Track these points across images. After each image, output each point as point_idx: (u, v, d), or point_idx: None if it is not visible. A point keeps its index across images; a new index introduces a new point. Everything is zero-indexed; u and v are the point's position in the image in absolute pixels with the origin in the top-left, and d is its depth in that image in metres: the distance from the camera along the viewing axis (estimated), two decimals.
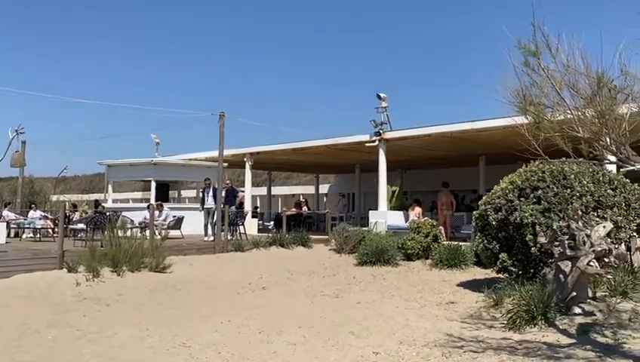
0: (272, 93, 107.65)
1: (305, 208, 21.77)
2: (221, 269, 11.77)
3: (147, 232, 13.49)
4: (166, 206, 16.98)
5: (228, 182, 17.45)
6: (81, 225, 14.88)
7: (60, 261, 10.25)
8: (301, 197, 26.57)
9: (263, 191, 31.99)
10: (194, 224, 16.12)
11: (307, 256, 13.95)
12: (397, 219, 16.50)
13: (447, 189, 16.95)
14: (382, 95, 17.39)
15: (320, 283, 10.12)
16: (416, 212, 16.26)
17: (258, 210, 28.48)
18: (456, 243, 12.23)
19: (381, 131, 16.63)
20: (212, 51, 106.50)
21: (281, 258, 13.63)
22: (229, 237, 14.65)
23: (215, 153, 15.63)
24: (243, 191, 21.17)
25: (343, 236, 14.25)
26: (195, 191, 25.28)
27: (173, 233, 15.58)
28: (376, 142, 16.74)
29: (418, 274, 10.83)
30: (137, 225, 14.76)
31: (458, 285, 9.46)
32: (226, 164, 19.29)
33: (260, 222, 22.85)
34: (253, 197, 28.73)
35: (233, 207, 15.80)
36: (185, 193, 29.22)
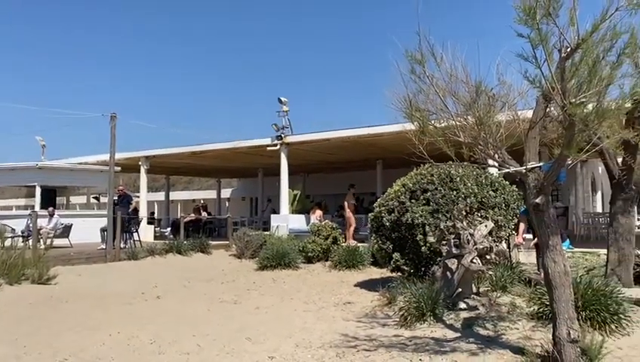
0: (173, 95, 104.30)
1: (205, 213, 21.25)
2: (112, 279, 11.15)
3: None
4: (56, 213, 15.80)
5: (121, 187, 16.61)
6: None
7: None
8: (202, 201, 25.96)
9: (161, 196, 30.83)
10: (84, 232, 15.17)
11: (206, 263, 13.61)
12: (299, 222, 16.63)
13: (351, 191, 16.71)
14: (283, 99, 17.47)
15: (218, 290, 9.91)
16: (317, 215, 16.48)
17: (155, 216, 27.46)
18: (353, 243, 12.53)
19: (282, 135, 16.69)
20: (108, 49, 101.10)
21: (179, 265, 13.19)
22: (122, 245, 13.94)
23: (107, 156, 14.81)
24: (138, 197, 20.27)
25: (244, 241, 14.08)
26: (85, 197, 23.82)
27: (61, 242, 14.58)
28: (278, 146, 16.78)
29: (318, 276, 10.95)
30: (20, 233, 13.64)
31: (355, 285, 9.68)
32: (118, 168, 18.39)
33: (157, 228, 22.03)
34: (150, 203, 27.63)
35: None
36: (75, 199, 27.45)
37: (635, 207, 7.95)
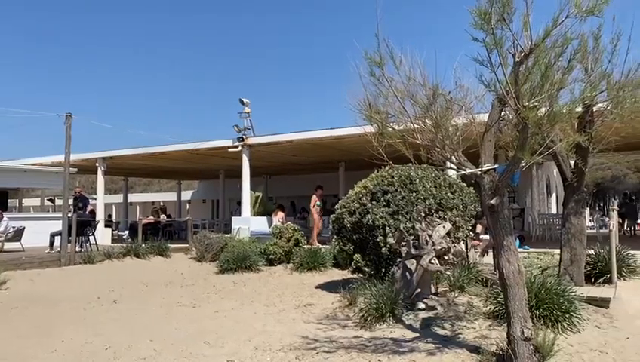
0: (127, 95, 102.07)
1: (164, 216, 20.86)
2: (67, 284, 10.80)
3: None
4: (5, 215, 15.20)
5: (78, 189, 16.15)
6: None
7: None
8: (161, 203, 25.50)
9: (119, 198, 30.12)
10: (37, 235, 14.66)
11: (165, 266, 13.35)
12: (260, 224, 16.50)
13: (317, 192, 15.96)
14: (245, 100, 17.31)
15: (177, 294, 9.73)
16: (279, 217, 16.39)
17: (113, 218, 26.85)
18: (316, 245, 12.52)
19: (244, 137, 16.53)
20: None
21: (136, 269, 12.89)
22: (77, 249, 13.53)
23: (63, 157, 14.34)
24: (95, 199, 19.75)
25: (204, 244, 13.87)
26: (39, 199, 23.04)
27: (12, 246, 14.06)
28: (240, 148, 16.60)
29: (279, 279, 10.89)
30: None
31: (317, 287, 9.67)
32: (74, 170, 17.89)
33: (115, 231, 21.51)
34: (108, 205, 27.00)
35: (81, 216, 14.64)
36: (29, 202, 26.54)
37: (587, 209, 8.23)
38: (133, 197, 32.76)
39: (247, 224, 15.90)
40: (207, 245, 13.78)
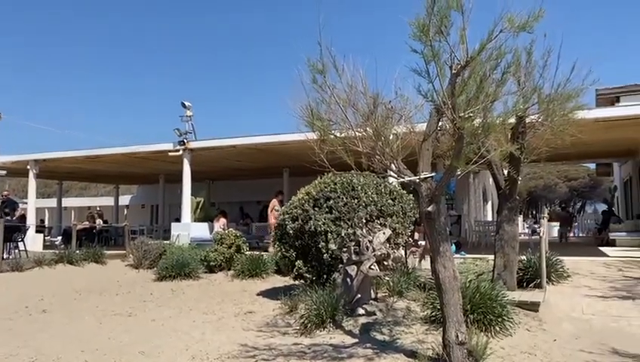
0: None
1: (100, 221, 20.10)
2: None
3: None
4: None
5: (6, 192, 15.31)
6: None
7: None
8: (97, 208, 24.55)
9: (53, 202, 28.77)
10: None
11: (100, 274, 12.84)
12: (201, 230, 16.19)
13: (278, 197, 15.42)
14: (187, 103, 17.02)
15: (112, 302, 9.38)
16: (221, 223, 16.15)
17: (45, 223, 25.64)
18: (258, 252, 12.40)
19: (185, 140, 16.21)
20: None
21: (69, 277, 12.34)
22: (5, 256, 12.81)
23: None
24: (25, 203, 18.80)
25: (142, 250, 13.44)
26: None
27: None
28: (181, 152, 16.26)
29: (219, 286, 10.70)
30: None
31: (258, 294, 9.57)
32: (4, 173, 16.99)
33: (48, 237, 20.55)
34: (40, 210, 25.76)
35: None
36: None
37: (520, 216, 8.58)
38: (67, 202, 31.39)
39: (188, 230, 15.56)
40: (145, 251, 13.36)
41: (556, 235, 24.96)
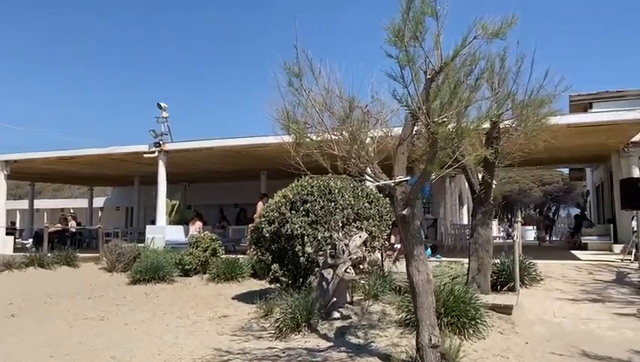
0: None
1: (73, 223, 19.73)
2: None
3: None
4: None
5: None
6: None
7: None
8: (71, 210, 24.11)
9: (25, 204, 28.15)
10: None
11: (72, 277, 12.60)
12: (176, 233, 16.01)
13: (263, 200, 14.65)
14: (163, 105, 16.84)
15: (84, 306, 9.21)
16: (196, 226, 16.00)
17: (16, 226, 25.11)
18: (233, 256, 12.31)
19: (161, 142, 16.02)
20: None
21: (40, 280, 12.08)
22: None
23: None
24: None
25: (116, 253, 13.22)
26: None
27: None
28: (156, 154, 16.05)
29: (194, 290, 10.59)
30: None
31: (233, 298, 9.50)
32: None
33: (19, 239, 20.09)
34: (11, 212, 25.24)
35: None
36: None
37: (494, 220, 8.69)
38: (40, 203, 30.72)
39: (163, 233, 15.35)
40: (119, 254, 13.15)
41: (531, 239, 25.51)
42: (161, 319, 8.05)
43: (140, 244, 14.69)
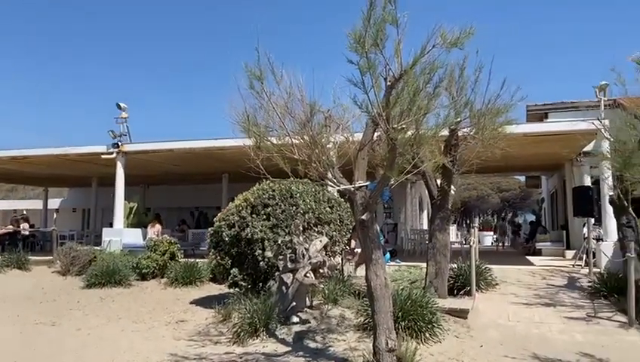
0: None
1: (25, 225, 19.06)
2: None
3: None
4: None
5: None
6: None
7: None
8: (24, 212, 23.28)
9: None
10: None
11: (23, 281, 12.14)
12: (134, 237, 15.64)
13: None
14: (122, 105, 16.48)
15: (35, 311, 8.89)
16: (155, 229, 15.69)
17: None
18: (193, 260, 12.13)
19: (120, 143, 15.66)
20: None
21: None
22: None
23: None
24: None
25: (70, 256, 12.84)
26: None
27: None
28: (114, 155, 15.67)
29: (151, 294, 10.37)
30: None
31: (191, 303, 9.35)
32: None
33: None
34: None
35: None
36: None
37: (452, 225, 8.86)
38: None
39: (120, 236, 15.00)
40: (74, 258, 12.77)
41: (488, 244, 26.26)
42: (116, 324, 7.85)
43: (96, 247, 14.32)
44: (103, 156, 15.65)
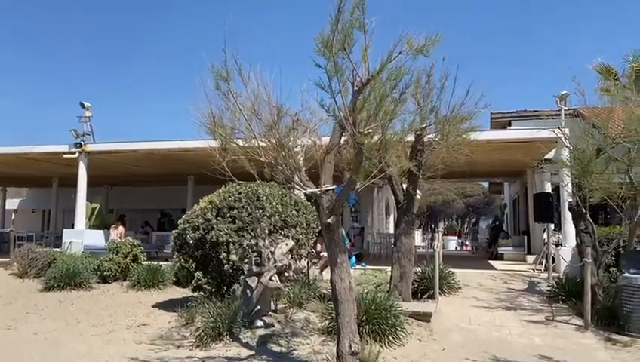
0: None
1: None
2: None
3: None
4: None
5: None
6: None
7: None
8: None
9: None
10: None
11: None
12: (96, 238, 15.27)
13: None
14: (86, 104, 16.10)
15: None
16: (119, 231, 15.35)
17: None
18: (156, 262, 11.92)
19: (82, 143, 15.28)
20: None
21: None
22: None
23: None
24: None
25: (28, 258, 12.43)
26: None
27: None
28: (77, 155, 15.28)
29: (112, 297, 10.14)
30: None
31: (154, 306, 9.18)
32: None
33: None
34: None
35: None
36: None
37: (417, 230, 8.97)
38: None
39: (81, 237, 14.63)
40: (32, 259, 12.38)
41: (452, 248, 26.75)
42: (74, 328, 7.65)
43: (56, 249, 13.93)
44: (64, 156, 15.25)
